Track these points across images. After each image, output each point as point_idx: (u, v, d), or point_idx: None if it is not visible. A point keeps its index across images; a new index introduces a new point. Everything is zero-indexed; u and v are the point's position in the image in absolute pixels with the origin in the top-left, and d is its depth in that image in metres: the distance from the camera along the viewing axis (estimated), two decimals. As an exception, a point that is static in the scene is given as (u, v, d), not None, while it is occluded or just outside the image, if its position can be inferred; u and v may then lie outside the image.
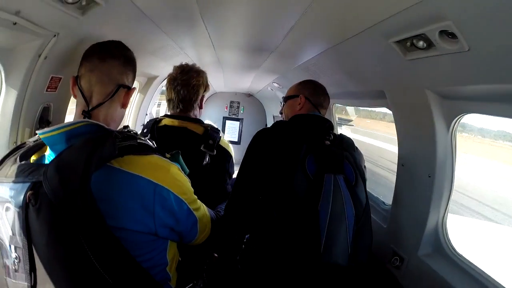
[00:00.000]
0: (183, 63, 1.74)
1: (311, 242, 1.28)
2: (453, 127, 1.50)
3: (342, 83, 2.25)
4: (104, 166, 0.88)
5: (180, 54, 2.58)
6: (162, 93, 3.59)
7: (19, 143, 1.27)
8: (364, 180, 1.48)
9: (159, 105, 5.09)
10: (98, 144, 0.84)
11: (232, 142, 7.27)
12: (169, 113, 1.77)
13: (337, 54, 1.90)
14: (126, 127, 1.06)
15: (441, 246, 1.63)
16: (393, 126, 1.85)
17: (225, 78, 4.58)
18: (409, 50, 1.31)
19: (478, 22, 0.93)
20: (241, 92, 7.00)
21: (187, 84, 1.69)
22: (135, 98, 3.14)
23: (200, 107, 1.79)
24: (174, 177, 1.02)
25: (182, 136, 1.69)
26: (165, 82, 3.15)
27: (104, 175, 0.89)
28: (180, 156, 1.18)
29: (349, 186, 1.39)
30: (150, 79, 3.04)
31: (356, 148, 1.62)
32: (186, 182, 1.09)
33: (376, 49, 1.51)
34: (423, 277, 1.60)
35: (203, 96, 1.78)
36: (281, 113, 1.90)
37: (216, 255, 1.63)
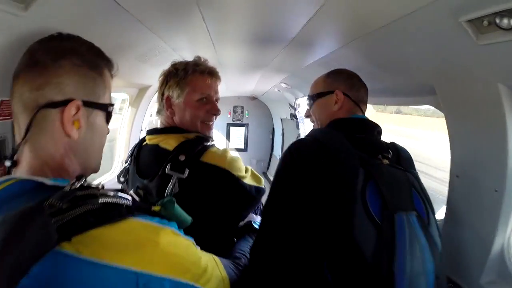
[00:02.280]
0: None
1: None
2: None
3: (373, 78, 1.82)
4: (50, 253, 0.53)
5: (173, 57, 2.15)
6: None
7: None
8: (434, 213, 1.08)
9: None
10: (15, 236, 0.52)
11: (238, 150, 6.95)
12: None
13: (372, 42, 1.50)
14: (79, 177, 0.66)
15: (507, 271, 1.34)
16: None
17: (227, 82, 4.19)
18: (485, 32, 0.97)
19: None
20: (245, 96, 6.60)
21: None
22: (125, 112, 2.72)
23: (168, 110, 1.36)
24: (168, 251, 0.66)
25: (151, 157, 1.32)
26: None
27: (51, 270, 0.53)
28: (175, 204, 0.80)
29: (424, 228, 0.98)
30: (142, 90, 2.64)
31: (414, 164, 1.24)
32: (188, 249, 0.74)
33: (434, 31, 1.14)
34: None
35: (168, 97, 1.35)
36: (307, 116, 1.48)
37: None
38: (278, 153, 6.20)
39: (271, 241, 1.04)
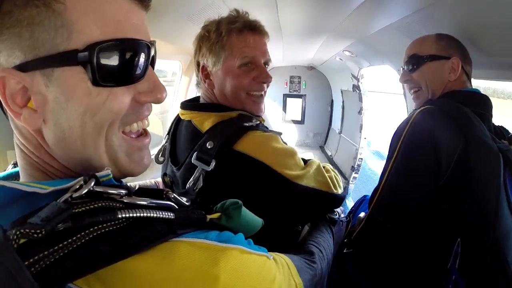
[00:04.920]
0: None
1: None
2: None
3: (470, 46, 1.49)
4: None
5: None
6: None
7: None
8: None
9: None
10: None
11: (295, 122, 6.74)
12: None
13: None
14: (88, 179, 0.44)
15: None
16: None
17: (284, 50, 3.95)
18: None
19: None
20: (302, 65, 6.27)
21: None
22: (178, 82, 2.56)
23: (206, 82, 1.11)
24: (233, 285, 0.44)
25: (184, 137, 1.09)
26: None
27: None
28: (242, 208, 0.58)
29: None
30: (195, 57, 2.46)
31: None
32: (261, 271, 0.51)
33: None
34: None
35: (203, 66, 1.10)
36: (405, 80, 1.30)
37: None
38: (337, 126, 5.88)
39: (383, 231, 0.99)
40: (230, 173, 0.96)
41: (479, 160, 0.86)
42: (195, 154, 0.95)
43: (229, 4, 1.64)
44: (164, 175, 1.16)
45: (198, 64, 1.12)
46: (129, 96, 0.50)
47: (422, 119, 0.98)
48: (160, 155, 1.20)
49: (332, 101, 6.35)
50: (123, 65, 0.48)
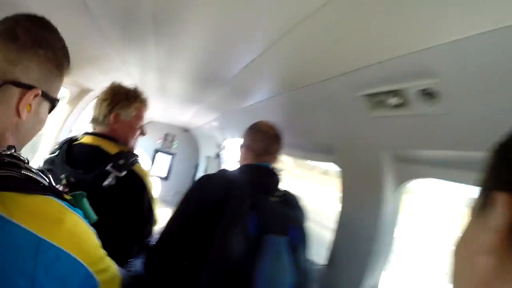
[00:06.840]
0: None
1: None
2: (400, 191, 1.46)
3: (291, 132, 2.08)
4: None
5: (121, 71, 2.31)
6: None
7: None
8: (304, 244, 1.42)
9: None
10: None
11: (160, 178, 6.78)
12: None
13: (291, 100, 1.82)
14: (10, 147, 0.70)
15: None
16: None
17: (165, 107, 4.24)
18: (376, 107, 1.22)
19: (465, 85, 0.87)
20: (178, 126, 6.69)
21: None
22: (60, 109, 2.73)
23: (115, 124, 1.62)
24: (71, 230, 0.71)
25: (91, 155, 1.51)
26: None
27: None
28: (85, 198, 0.87)
29: (293, 250, 1.31)
30: (83, 92, 2.70)
31: (302, 207, 1.56)
32: (89, 235, 0.78)
33: (337, 101, 1.43)
34: None
35: (117, 113, 1.60)
36: None
37: None
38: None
39: (167, 239, 1.34)
40: (129, 181, 1.46)
41: (228, 200, 1.26)
42: (110, 165, 1.43)
43: (122, 57, 1.99)
44: (65, 175, 1.48)
45: (110, 110, 1.59)
46: None
47: (199, 180, 1.44)
48: (48, 164, 1.56)
49: (197, 164, 6.83)
50: (55, 108, 0.87)
